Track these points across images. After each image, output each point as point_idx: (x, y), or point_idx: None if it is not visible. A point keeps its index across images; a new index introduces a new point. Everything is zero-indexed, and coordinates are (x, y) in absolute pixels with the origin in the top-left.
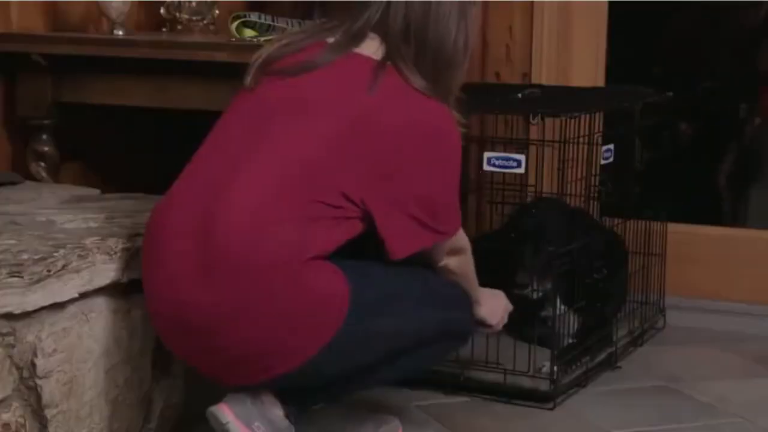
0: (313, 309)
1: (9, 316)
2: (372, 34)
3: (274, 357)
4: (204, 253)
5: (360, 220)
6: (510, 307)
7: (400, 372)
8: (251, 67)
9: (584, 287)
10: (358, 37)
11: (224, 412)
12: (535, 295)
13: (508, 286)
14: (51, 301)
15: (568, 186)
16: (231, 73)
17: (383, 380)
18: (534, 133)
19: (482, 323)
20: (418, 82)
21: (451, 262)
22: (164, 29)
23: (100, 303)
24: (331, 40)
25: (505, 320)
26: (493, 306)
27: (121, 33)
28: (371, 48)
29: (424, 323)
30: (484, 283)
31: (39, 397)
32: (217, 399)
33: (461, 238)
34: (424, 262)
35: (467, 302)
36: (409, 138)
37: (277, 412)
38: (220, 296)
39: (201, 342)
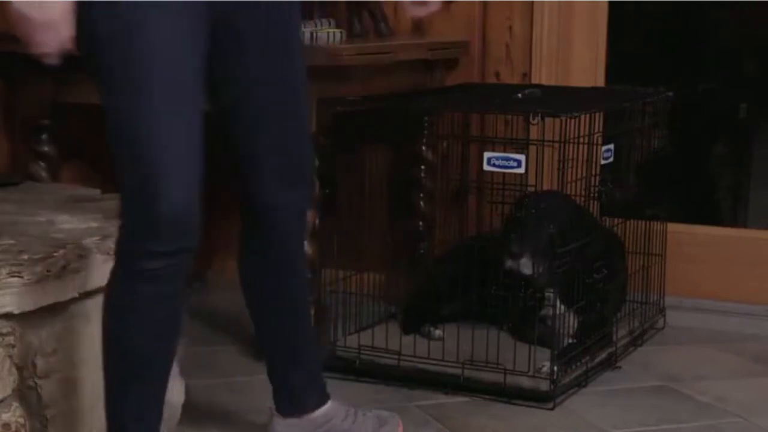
0: None
1: (9, 316)
2: None
3: None
4: None
5: None
6: None
7: None
8: None
9: (584, 287)
10: None
11: None
12: (527, 272)
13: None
14: (51, 301)
15: (568, 186)
16: None
17: None
18: (534, 133)
19: None
20: None
21: None
22: None
23: (100, 303)
24: None
25: None
26: None
27: None
28: None
29: None
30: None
31: (39, 397)
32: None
33: None
34: None
35: None
36: None
37: None
38: None
39: None
